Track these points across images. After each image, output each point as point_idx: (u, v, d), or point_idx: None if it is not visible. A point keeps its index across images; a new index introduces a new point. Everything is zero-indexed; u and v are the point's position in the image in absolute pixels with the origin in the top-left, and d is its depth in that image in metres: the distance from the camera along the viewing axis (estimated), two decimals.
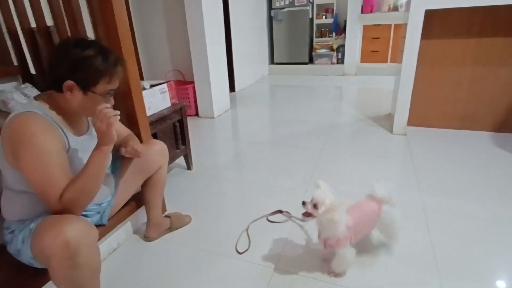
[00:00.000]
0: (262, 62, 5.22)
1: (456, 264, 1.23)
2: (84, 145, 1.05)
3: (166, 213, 1.57)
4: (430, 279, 1.16)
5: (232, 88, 4.11)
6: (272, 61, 5.51)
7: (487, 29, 2.21)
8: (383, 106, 3.15)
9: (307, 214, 1.10)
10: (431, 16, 2.19)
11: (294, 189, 1.81)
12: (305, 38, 5.07)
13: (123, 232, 1.43)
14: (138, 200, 1.43)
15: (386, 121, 2.78)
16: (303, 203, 1.09)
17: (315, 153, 2.25)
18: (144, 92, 1.64)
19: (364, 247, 1.31)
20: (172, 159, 1.90)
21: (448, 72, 2.40)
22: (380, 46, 4.72)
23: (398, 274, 1.19)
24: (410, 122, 2.49)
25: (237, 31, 4.02)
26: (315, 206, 1.07)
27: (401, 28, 2.82)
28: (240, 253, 1.33)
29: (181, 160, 2.09)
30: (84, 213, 1.13)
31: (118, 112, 0.93)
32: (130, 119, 1.41)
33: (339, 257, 1.13)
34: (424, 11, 2.12)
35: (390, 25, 4.54)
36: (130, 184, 1.32)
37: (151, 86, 1.80)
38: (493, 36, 2.22)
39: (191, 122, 3.01)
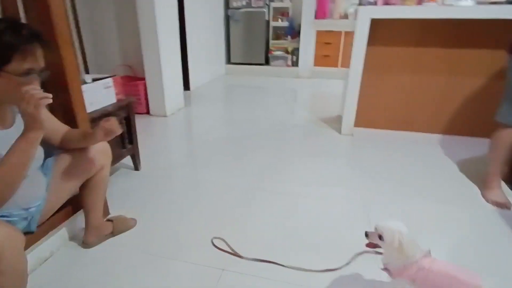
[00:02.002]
0: (219, 61, 5.16)
1: None
2: (6, 140, 0.92)
3: (108, 216, 1.46)
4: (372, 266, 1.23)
5: (186, 86, 4.00)
6: (228, 61, 5.48)
7: (424, 40, 2.42)
8: (334, 108, 3.30)
9: (372, 246, 1.02)
10: (376, 25, 2.34)
11: (246, 188, 1.80)
12: (261, 39, 5.13)
13: (57, 239, 1.29)
14: (75, 204, 1.31)
15: (336, 122, 2.90)
16: (366, 234, 1.02)
17: (268, 153, 2.27)
18: (85, 86, 1.52)
19: (318, 242, 1.34)
20: (117, 159, 1.78)
21: (391, 78, 2.58)
22: (332, 51, 4.94)
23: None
24: (357, 124, 2.63)
25: (192, 27, 3.92)
26: (380, 237, 0.97)
27: (350, 35, 2.97)
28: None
29: (128, 160, 1.97)
30: (8, 219, 1.00)
31: (50, 95, 0.84)
32: (67, 114, 1.28)
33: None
34: (369, 19, 2.26)
35: (341, 32, 4.78)
36: (65, 187, 1.20)
37: (94, 80, 1.67)
38: (428, 47, 2.44)
39: (141, 120, 2.88)
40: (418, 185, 1.87)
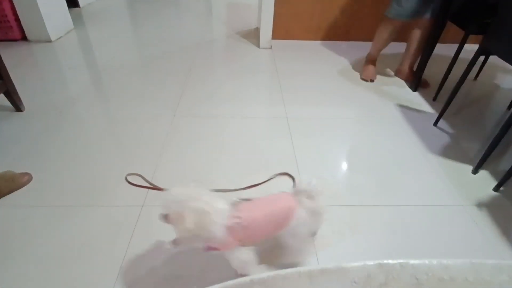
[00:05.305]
0: None
1: (309, 157, 1.41)
2: None
3: None
4: (291, 172, 1.29)
5: (74, 2, 3.24)
6: None
7: None
8: (252, 20, 3.07)
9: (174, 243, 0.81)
10: None
11: (162, 116, 1.64)
12: None
13: None
14: None
15: (254, 36, 2.72)
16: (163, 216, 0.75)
17: (183, 74, 2.06)
18: None
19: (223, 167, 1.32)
20: None
21: None
22: None
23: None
24: (275, 36, 2.51)
25: None
26: (166, 217, 0.74)
27: None
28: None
29: (3, 100, 1.58)
30: None
31: None
32: None
33: (231, 261, 0.84)
34: None
35: None
36: None
37: None
38: None
39: (16, 49, 2.31)
40: (328, 90, 1.97)
